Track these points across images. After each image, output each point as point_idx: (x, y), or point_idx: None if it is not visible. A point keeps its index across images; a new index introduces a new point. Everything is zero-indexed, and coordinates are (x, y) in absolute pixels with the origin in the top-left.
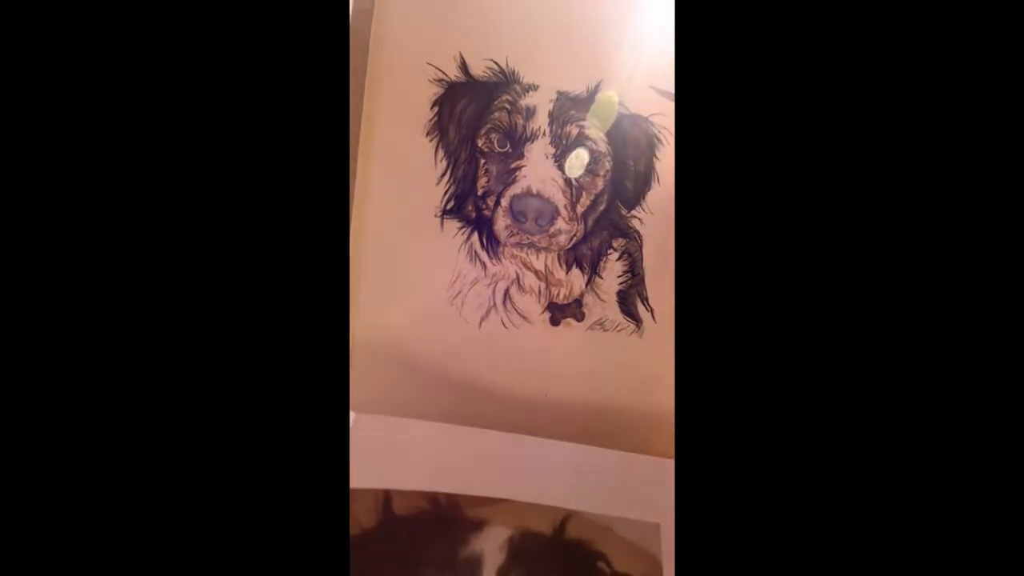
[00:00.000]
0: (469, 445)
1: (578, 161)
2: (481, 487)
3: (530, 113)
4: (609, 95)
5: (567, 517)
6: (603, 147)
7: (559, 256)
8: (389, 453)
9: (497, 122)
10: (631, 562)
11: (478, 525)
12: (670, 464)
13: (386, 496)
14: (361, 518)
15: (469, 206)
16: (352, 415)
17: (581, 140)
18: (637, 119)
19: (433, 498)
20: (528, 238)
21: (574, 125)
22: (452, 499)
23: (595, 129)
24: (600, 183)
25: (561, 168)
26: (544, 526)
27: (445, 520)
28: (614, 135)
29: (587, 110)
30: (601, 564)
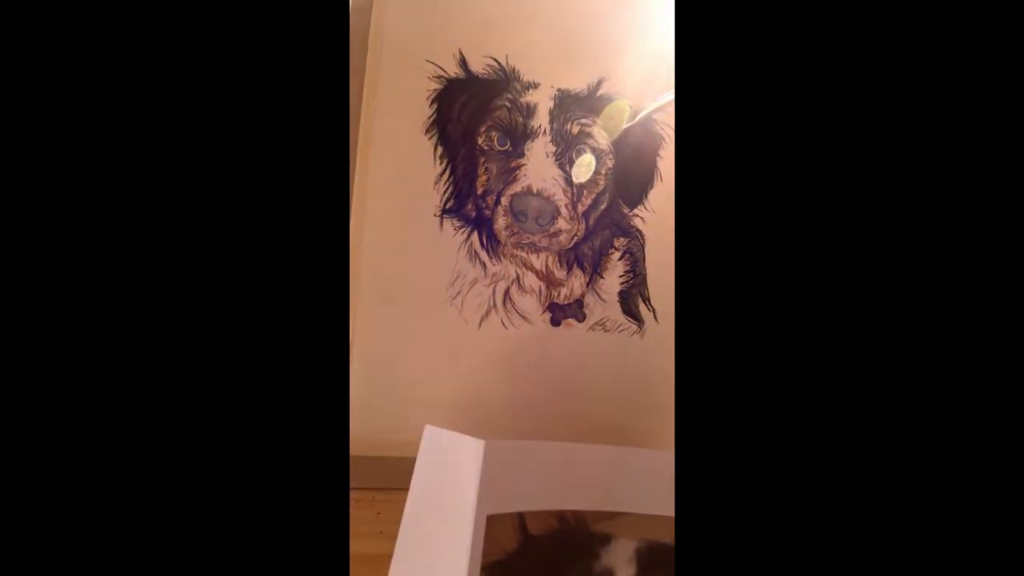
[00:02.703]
0: (579, 461)
1: (586, 167)
2: (602, 502)
3: (530, 111)
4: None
5: None
6: (604, 145)
7: (559, 256)
8: (519, 477)
9: (497, 120)
10: None
11: (606, 539)
12: None
13: (520, 518)
14: (503, 541)
15: (469, 205)
16: (481, 441)
17: (582, 138)
18: (638, 115)
19: (561, 516)
20: (528, 237)
21: (575, 123)
22: (579, 516)
23: (602, 137)
24: (601, 182)
25: (561, 167)
26: (666, 536)
27: (576, 537)
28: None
29: (588, 108)
30: None
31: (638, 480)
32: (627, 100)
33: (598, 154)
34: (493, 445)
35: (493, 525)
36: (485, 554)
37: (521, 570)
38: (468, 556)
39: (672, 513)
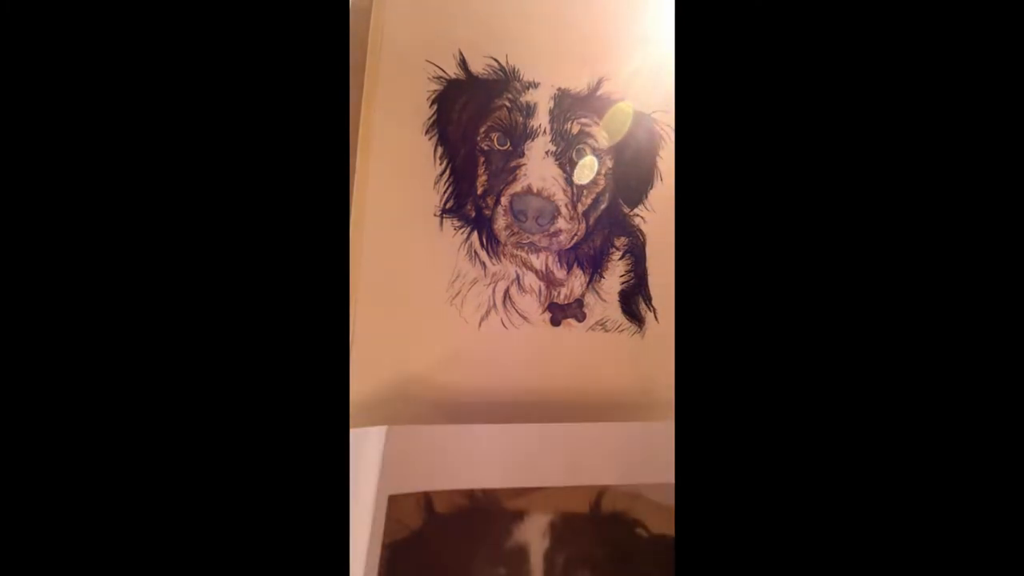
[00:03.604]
0: (497, 441)
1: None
2: (516, 479)
3: (530, 111)
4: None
5: (601, 493)
6: (604, 145)
7: (559, 255)
8: (422, 459)
9: (497, 120)
10: (665, 522)
11: (519, 515)
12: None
13: (426, 498)
14: (406, 520)
15: (469, 205)
16: (383, 428)
17: (582, 138)
18: (640, 116)
19: (471, 495)
20: (528, 237)
21: (575, 122)
22: (490, 494)
23: (604, 139)
24: (601, 182)
25: (562, 167)
26: (581, 506)
27: (487, 514)
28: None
29: (588, 108)
30: (639, 530)
31: (551, 454)
32: (630, 103)
33: (598, 154)
34: (395, 430)
35: (395, 505)
36: (387, 532)
37: (427, 547)
38: (369, 534)
39: (586, 482)
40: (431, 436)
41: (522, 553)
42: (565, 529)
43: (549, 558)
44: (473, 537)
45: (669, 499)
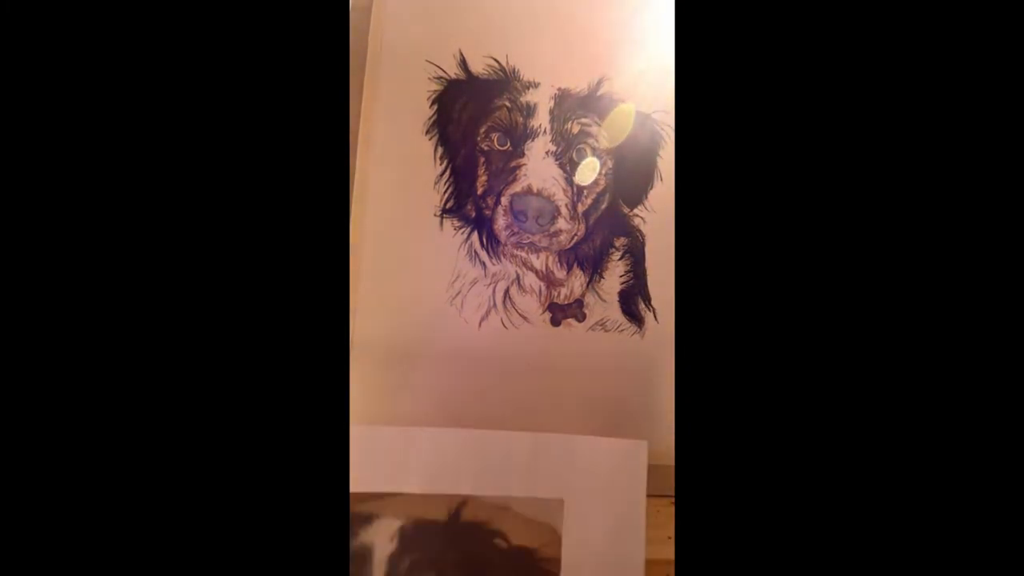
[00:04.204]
0: (362, 443)
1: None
2: (367, 483)
3: (530, 111)
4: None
5: (463, 503)
6: (604, 145)
7: (559, 255)
8: None
9: (497, 120)
10: (529, 535)
11: (366, 519)
12: (575, 439)
13: None
14: None
15: (469, 205)
16: None
17: (582, 138)
18: (640, 117)
19: None
20: (528, 237)
21: (575, 122)
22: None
23: (606, 140)
24: (601, 182)
25: (562, 167)
26: (439, 514)
27: None
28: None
29: (588, 107)
30: (498, 540)
31: (409, 460)
32: (632, 105)
33: (598, 154)
34: None
35: None
36: None
37: None
38: None
39: (447, 491)
40: None
41: (365, 554)
42: (416, 534)
43: (394, 561)
44: None
45: (543, 514)
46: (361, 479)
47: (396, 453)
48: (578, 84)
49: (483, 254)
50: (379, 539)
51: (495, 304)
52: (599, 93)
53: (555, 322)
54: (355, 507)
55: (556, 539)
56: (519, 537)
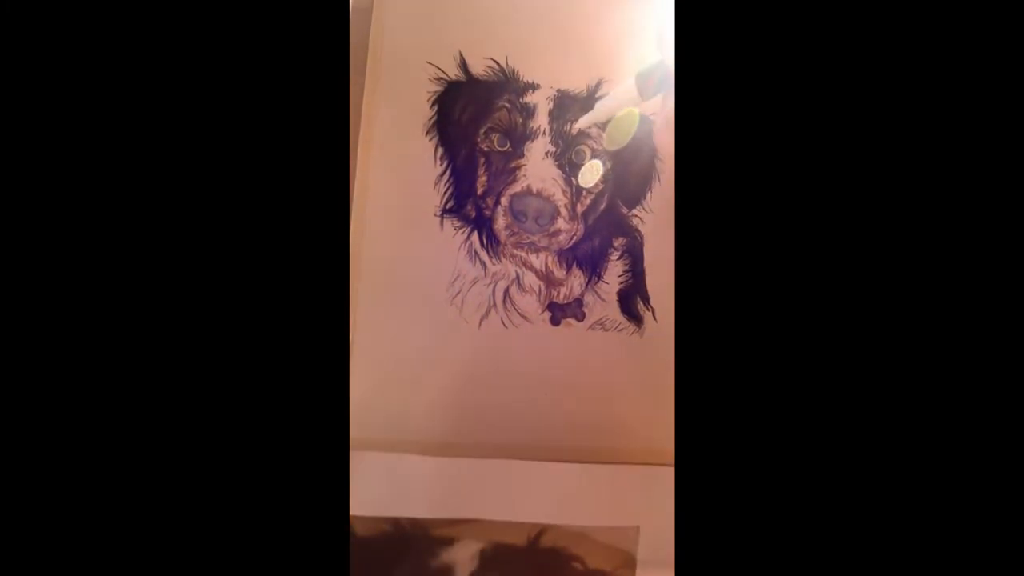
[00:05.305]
0: (413, 471)
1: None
2: (448, 511)
3: (530, 112)
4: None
5: (542, 531)
6: (604, 146)
7: (559, 255)
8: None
9: (497, 121)
10: (606, 559)
11: (447, 542)
12: (648, 471)
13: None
14: None
15: (469, 205)
16: None
17: (582, 139)
18: (641, 119)
19: (395, 522)
20: (528, 237)
21: (574, 123)
22: (416, 522)
23: (608, 143)
24: (601, 182)
25: (561, 167)
26: (518, 539)
27: (412, 539)
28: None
29: (587, 109)
30: (576, 564)
31: (481, 489)
32: (635, 108)
33: (598, 155)
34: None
35: None
36: None
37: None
38: None
39: (517, 519)
40: (355, 463)
41: (448, 571)
42: (496, 555)
43: None
44: (395, 557)
45: (620, 541)
46: (438, 506)
47: (471, 483)
48: (577, 85)
49: (483, 254)
50: (460, 558)
51: (495, 304)
52: (598, 94)
53: (555, 321)
54: (435, 531)
55: (631, 561)
56: (596, 560)
